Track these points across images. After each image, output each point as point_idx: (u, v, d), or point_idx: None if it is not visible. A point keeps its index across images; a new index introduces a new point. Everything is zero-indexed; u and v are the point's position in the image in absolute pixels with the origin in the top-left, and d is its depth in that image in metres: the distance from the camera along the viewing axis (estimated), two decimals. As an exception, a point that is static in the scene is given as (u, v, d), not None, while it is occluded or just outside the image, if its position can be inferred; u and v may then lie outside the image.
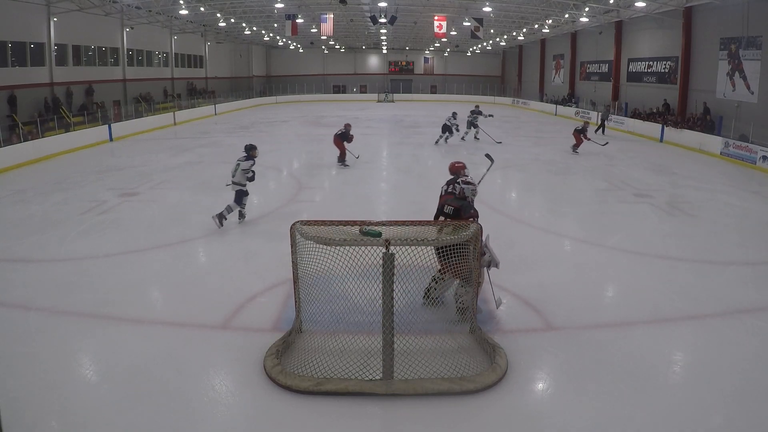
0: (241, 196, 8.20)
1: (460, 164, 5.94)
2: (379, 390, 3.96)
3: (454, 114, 17.62)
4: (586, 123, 16.99)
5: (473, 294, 4.66)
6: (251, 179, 8.11)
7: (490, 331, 4.87)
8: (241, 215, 8.47)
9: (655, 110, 22.89)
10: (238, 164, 8.06)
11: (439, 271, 5.04)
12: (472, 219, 5.03)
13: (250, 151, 8.16)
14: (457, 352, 4.41)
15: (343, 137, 13.29)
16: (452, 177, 5.70)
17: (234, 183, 8.11)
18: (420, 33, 39.57)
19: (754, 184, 12.55)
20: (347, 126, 13.42)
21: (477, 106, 19.12)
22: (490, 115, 19.03)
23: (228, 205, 8.23)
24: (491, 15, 28.73)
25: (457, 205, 5.22)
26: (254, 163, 8.15)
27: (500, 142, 17.82)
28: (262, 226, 8.48)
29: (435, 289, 5.21)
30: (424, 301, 5.19)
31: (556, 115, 31.37)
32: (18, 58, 19.74)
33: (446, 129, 17.51)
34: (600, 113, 23.47)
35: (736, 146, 15.73)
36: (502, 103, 41.00)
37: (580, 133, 16.05)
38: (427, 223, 4.86)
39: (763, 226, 8.83)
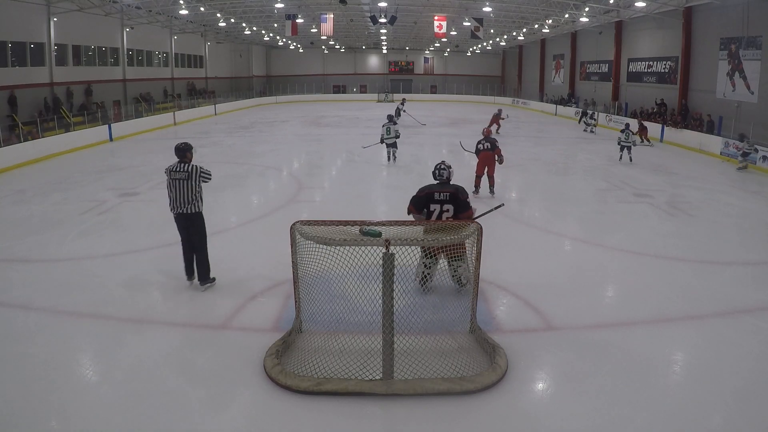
0: (396, 144, 13.58)
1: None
2: (379, 390, 3.96)
3: (404, 100, 24.32)
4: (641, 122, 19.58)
5: (467, 267, 4.80)
6: (398, 137, 13.62)
7: (490, 331, 4.87)
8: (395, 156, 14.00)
9: (650, 110, 22.88)
10: (389, 127, 13.35)
11: (426, 255, 5.22)
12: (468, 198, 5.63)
13: (394, 118, 13.46)
14: (457, 352, 4.40)
15: (497, 116, 20.80)
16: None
17: (390, 137, 13.32)
18: (420, 33, 39.57)
19: (754, 184, 12.56)
20: (501, 110, 20.89)
21: (404, 99, 25.33)
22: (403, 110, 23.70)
23: (393, 153, 13.75)
24: (491, 15, 28.74)
25: (452, 190, 5.55)
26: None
27: (425, 124, 21.53)
28: (262, 226, 8.50)
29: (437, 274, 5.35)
30: (460, 288, 5.39)
31: (556, 115, 31.36)
32: (18, 58, 19.75)
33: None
34: (581, 109, 26.90)
35: (736, 146, 15.71)
36: (502, 103, 40.90)
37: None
38: (427, 222, 4.87)
39: (763, 226, 8.83)
